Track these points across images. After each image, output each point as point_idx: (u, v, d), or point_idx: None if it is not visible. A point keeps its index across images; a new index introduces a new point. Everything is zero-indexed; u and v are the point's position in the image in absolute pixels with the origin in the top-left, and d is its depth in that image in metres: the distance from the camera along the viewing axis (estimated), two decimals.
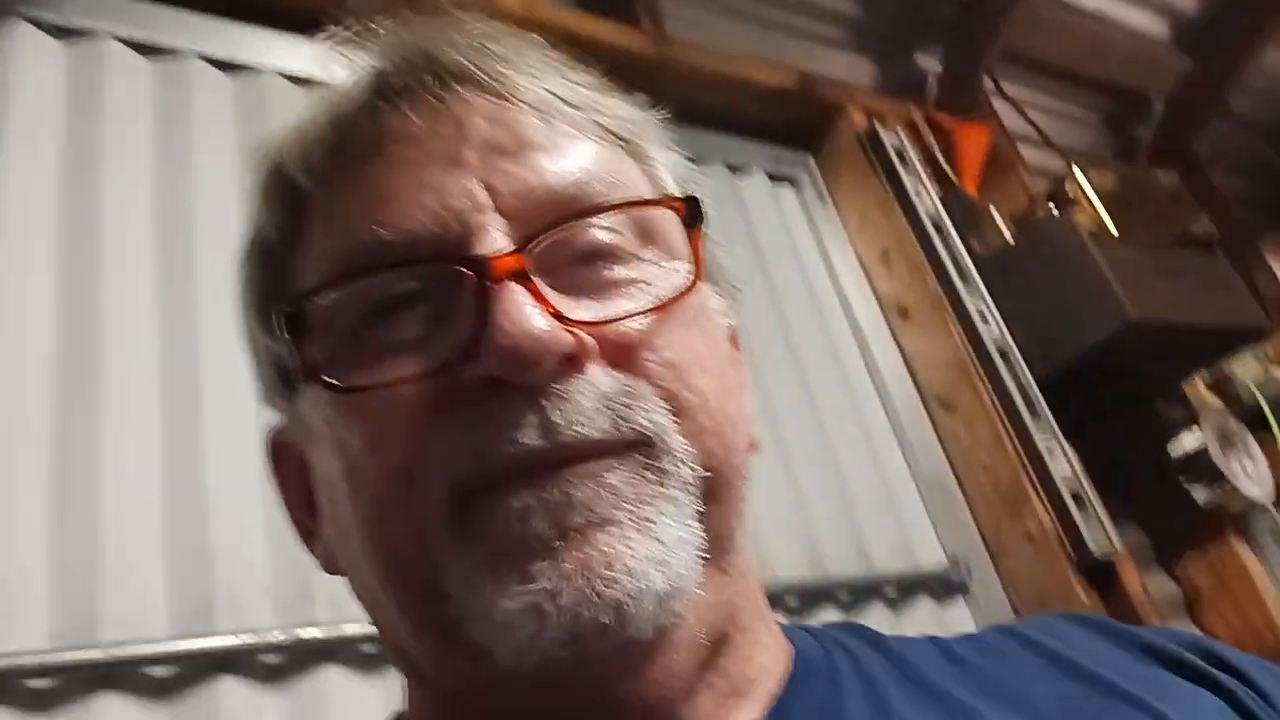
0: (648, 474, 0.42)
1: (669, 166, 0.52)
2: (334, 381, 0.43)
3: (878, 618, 1.35)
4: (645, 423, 0.42)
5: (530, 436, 0.40)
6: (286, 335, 0.44)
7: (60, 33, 1.08)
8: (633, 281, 0.45)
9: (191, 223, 1.05)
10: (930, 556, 1.48)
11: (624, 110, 0.51)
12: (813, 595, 1.30)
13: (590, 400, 0.41)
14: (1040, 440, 1.49)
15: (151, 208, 1.04)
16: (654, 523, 0.41)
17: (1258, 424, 1.87)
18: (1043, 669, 0.50)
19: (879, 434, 1.57)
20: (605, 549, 0.39)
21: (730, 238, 1.52)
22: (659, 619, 0.40)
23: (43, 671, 0.77)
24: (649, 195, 0.49)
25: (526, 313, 0.40)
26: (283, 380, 0.50)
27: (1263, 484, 1.72)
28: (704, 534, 0.42)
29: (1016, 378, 1.55)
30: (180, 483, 0.91)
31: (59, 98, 1.04)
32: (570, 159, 0.46)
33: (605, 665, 0.41)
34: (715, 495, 0.44)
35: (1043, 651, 0.51)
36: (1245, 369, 1.99)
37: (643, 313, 0.44)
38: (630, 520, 0.40)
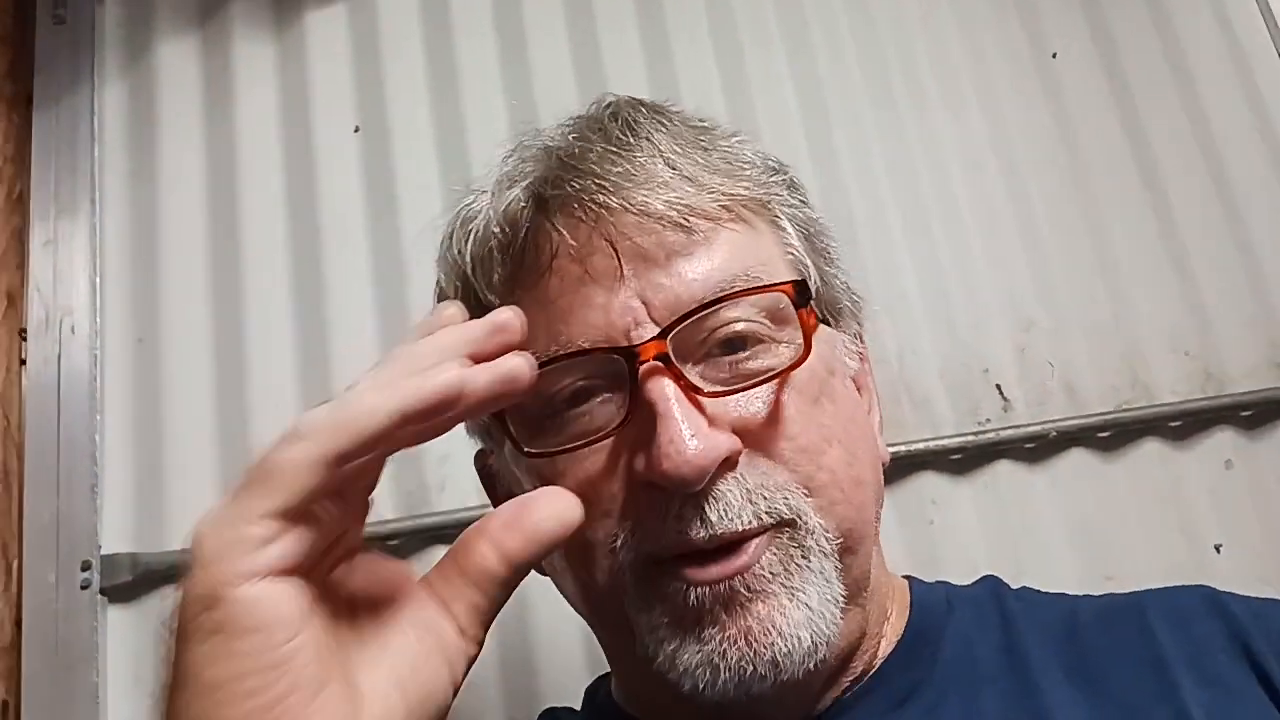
0: (795, 552, 0.51)
1: (794, 221, 0.58)
2: (535, 452, 0.53)
3: None
4: (784, 509, 0.51)
5: (695, 531, 0.49)
6: (493, 420, 0.55)
7: None
8: (770, 370, 0.52)
9: None
10: None
11: (755, 176, 0.57)
12: (1203, 418, 1.16)
13: (737, 499, 0.50)
14: None
15: None
16: (803, 591, 0.50)
17: None
18: (1131, 653, 0.56)
19: None
20: (763, 617, 0.49)
21: None
22: (807, 664, 0.50)
23: None
24: (781, 261, 0.56)
25: (684, 440, 0.48)
26: (486, 433, 0.62)
27: None
28: (843, 584, 0.52)
29: None
30: None
31: None
32: (709, 258, 0.53)
33: (764, 698, 0.50)
34: (851, 549, 0.53)
35: (1145, 635, 0.57)
36: None
37: (774, 404, 0.51)
38: (783, 590, 0.50)
